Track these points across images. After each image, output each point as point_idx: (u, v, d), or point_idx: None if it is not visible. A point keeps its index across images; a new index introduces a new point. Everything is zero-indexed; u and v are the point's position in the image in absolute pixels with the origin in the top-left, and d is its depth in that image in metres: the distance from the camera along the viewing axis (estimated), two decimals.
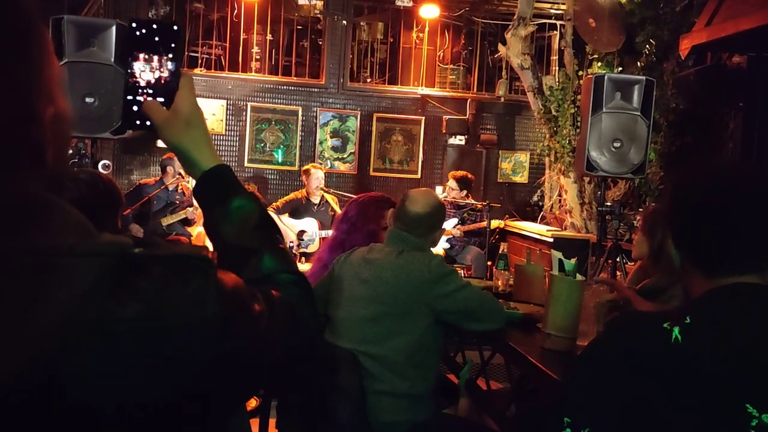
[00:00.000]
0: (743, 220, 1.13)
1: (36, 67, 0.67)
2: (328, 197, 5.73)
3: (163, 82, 0.86)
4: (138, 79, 0.86)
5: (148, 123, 0.86)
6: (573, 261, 2.25)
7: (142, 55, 0.85)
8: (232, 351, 0.68)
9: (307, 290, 0.89)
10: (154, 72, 0.86)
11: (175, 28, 0.88)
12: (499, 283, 3.21)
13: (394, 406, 2.29)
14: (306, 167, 5.82)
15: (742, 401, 1.01)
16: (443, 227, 2.63)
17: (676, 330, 1.06)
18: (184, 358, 0.64)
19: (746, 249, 1.14)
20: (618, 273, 4.51)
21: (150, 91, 0.86)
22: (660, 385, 1.05)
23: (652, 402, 1.05)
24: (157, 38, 0.86)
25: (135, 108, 0.86)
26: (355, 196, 3.12)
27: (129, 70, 0.86)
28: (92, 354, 0.58)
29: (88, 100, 3.62)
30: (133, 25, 0.86)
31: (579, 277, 2.28)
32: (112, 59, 3.59)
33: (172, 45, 0.86)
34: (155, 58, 0.86)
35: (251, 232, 0.89)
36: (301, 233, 5.20)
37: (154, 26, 0.86)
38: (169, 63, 0.86)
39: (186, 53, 7.34)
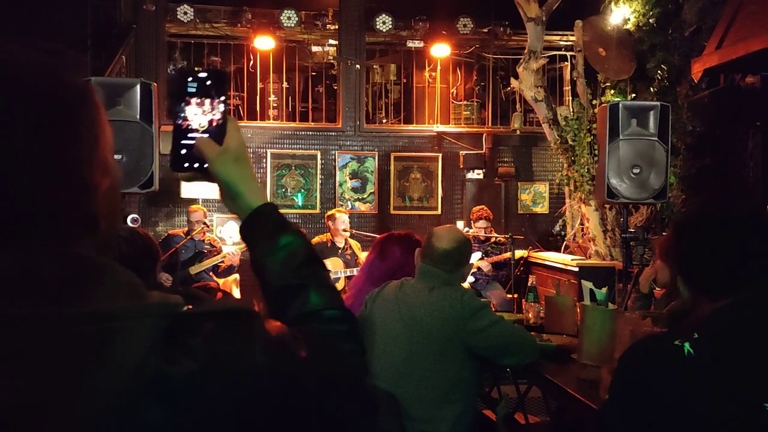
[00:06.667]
0: (738, 253, 1.28)
1: (91, 141, 0.69)
2: (352, 242, 5.79)
3: (214, 124, 0.89)
4: (190, 123, 0.88)
5: (196, 165, 0.88)
6: (604, 290, 2.27)
7: (194, 100, 0.88)
8: (280, 399, 0.70)
9: (353, 326, 0.88)
10: (206, 115, 0.88)
11: (226, 73, 0.92)
12: (530, 315, 3.21)
13: None
14: (330, 212, 5.88)
15: (760, 401, 1.10)
16: (471, 262, 2.64)
17: (687, 345, 1.17)
18: (236, 410, 0.65)
19: (742, 275, 1.28)
20: None
21: (202, 134, 0.89)
22: (680, 396, 1.14)
23: (675, 413, 1.15)
24: (209, 82, 0.89)
25: (184, 151, 0.88)
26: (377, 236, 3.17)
27: (181, 114, 0.88)
28: (151, 415, 0.60)
29: (116, 156, 3.71)
30: (186, 73, 0.90)
31: (611, 306, 2.29)
32: (138, 116, 3.70)
33: (224, 87, 0.90)
34: (207, 101, 0.88)
35: (298, 268, 0.88)
36: None
37: (206, 74, 0.90)
38: (221, 105, 0.89)
39: None
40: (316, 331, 0.82)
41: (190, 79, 0.89)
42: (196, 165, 0.88)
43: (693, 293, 1.36)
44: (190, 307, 0.68)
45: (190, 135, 0.88)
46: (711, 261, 1.31)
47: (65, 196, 0.66)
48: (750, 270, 1.29)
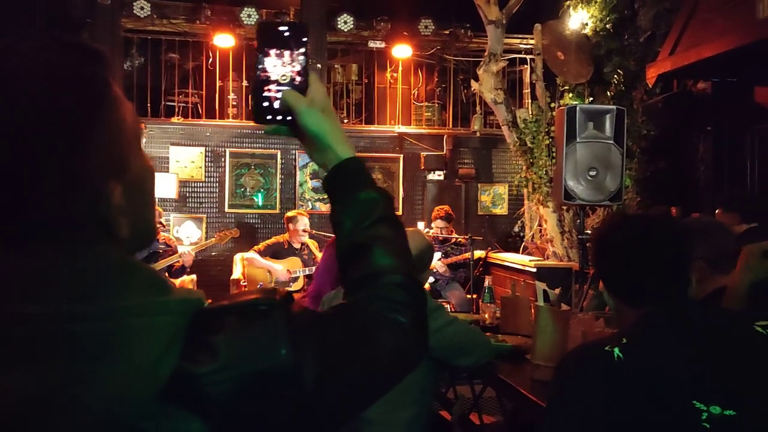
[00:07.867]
0: (651, 263, 1.34)
1: (103, 145, 0.65)
2: (309, 242, 5.74)
3: (295, 76, 0.86)
4: (269, 75, 0.86)
5: (279, 117, 0.86)
6: (557, 291, 2.29)
7: (273, 52, 0.86)
8: (309, 390, 0.66)
9: (414, 296, 0.84)
10: (286, 67, 0.86)
11: (305, 25, 0.89)
12: (486, 316, 3.23)
13: None
14: (291, 214, 5.80)
15: (688, 399, 1.13)
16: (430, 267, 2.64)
17: (617, 350, 1.20)
18: (261, 406, 0.62)
19: (660, 283, 1.33)
20: None
21: (284, 86, 0.86)
22: (612, 399, 1.17)
23: (609, 416, 1.17)
24: (287, 34, 0.87)
25: (266, 104, 0.86)
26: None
27: (260, 66, 0.86)
28: (170, 415, 0.58)
29: None
30: (265, 25, 0.88)
31: (564, 306, 2.32)
32: None
33: (303, 39, 0.87)
34: (287, 53, 0.86)
35: (370, 226, 0.85)
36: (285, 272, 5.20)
37: (285, 26, 0.88)
38: (301, 57, 0.87)
39: (163, 102, 7.39)
40: (368, 308, 0.78)
41: (268, 29, 0.87)
42: (280, 117, 0.86)
43: (615, 302, 1.41)
44: (210, 302, 0.66)
45: (271, 87, 0.86)
46: (628, 272, 1.36)
47: (75, 203, 0.63)
48: (666, 278, 1.33)
